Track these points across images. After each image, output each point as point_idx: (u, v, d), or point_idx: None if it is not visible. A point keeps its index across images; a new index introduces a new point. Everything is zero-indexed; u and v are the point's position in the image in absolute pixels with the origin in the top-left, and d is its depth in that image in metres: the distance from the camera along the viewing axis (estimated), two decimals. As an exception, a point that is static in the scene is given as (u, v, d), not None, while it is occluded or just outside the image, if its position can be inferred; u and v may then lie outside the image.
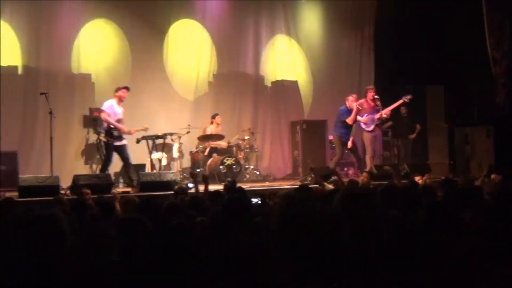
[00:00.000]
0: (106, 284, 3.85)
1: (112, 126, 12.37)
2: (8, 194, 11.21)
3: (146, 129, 13.21)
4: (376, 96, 14.71)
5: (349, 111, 14.37)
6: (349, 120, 14.33)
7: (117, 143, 12.51)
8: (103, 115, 12.52)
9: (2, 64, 14.34)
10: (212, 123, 15.77)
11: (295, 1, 18.03)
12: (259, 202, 8.13)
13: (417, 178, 10.82)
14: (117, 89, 12.71)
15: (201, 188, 9.19)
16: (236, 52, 17.36)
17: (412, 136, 16.53)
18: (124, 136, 12.64)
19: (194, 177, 10.20)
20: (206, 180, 9.51)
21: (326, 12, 18.30)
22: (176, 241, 4.42)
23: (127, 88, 12.80)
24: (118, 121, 12.50)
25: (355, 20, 18.65)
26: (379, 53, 18.58)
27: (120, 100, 12.65)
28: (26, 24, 14.71)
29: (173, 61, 16.55)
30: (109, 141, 12.45)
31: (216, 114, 15.73)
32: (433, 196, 6.71)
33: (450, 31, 16.39)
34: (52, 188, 11.05)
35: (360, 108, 14.39)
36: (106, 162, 12.69)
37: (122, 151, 12.63)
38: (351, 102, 14.34)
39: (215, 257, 4.01)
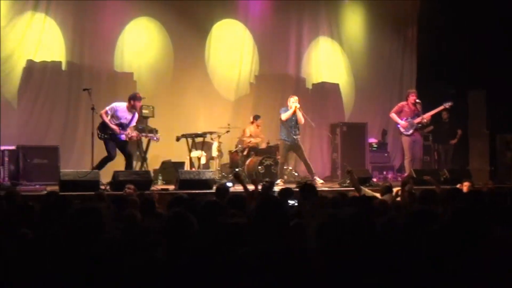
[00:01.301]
0: (151, 281, 3.87)
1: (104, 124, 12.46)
2: (49, 188, 11.45)
3: (154, 138, 13.12)
4: (417, 101, 14.54)
5: (286, 111, 14.19)
6: (282, 116, 14.13)
7: (102, 136, 12.48)
8: (101, 112, 12.46)
9: (47, 60, 14.59)
10: (252, 123, 15.82)
11: (337, 2, 17.99)
12: (295, 204, 8.02)
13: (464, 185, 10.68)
14: (134, 98, 12.66)
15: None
16: (277, 53, 17.37)
17: (453, 141, 16.40)
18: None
19: (238, 177, 10.20)
20: (241, 181, 9.59)
21: (368, 13, 18.21)
22: (222, 240, 4.42)
23: (140, 99, 12.75)
24: (120, 125, 12.47)
25: (397, 22, 18.52)
26: (421, 55, 18.42)
27: (133, 108, 12.60)
28: (71, 21, 14.96)
29: (215, 61, 16.64)
30: (104, 137, 12.47)
31: (258, 117, 15.75)
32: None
33: (494, 34, 16.18)
34: (92, 183, 11.11)
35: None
36: (108, 157, 12.62)
37: (124, 147, 12.63)
38: (292, 103, 14.09)
39: (251, 257, 3.99)
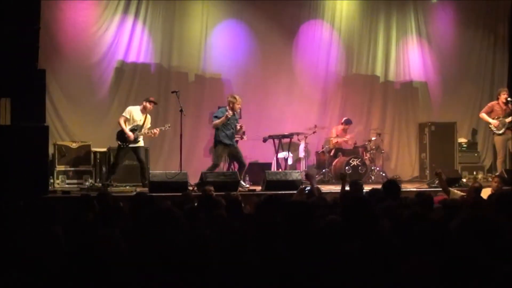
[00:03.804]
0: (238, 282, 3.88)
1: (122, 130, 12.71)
2: (138, 189, 11.70)
3: (155, 134, 13.07)
4: (509, 99, 14.21)
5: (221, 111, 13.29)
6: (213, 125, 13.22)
7: (132, 145, 12.76)
8: (119, 119, 12.78)
9: (136, 62, 14.92)
10: (342, 124, 15.76)
11: (426, 1, 17.70)
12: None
13: None
14: (148, 100, 12.96)
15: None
16: (365, 53, 17.15)
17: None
18: (139, 138, 12.88)
19: (309, 178, 10.20)
20: (343, 179, 9.60)
21: (457, 11, 17.78)
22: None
23: (155, 103, 13.14)
24: (136, 126, 12.79)
25: (488, 19, 18.00)
26: (513, 54, 17.95)
27: (145, 109, 12.92)
28: (160, 24, 15.23)
29: (302, 61, 16.56)
30: (120, 144, 12.73)
31: (350, 122, 15.67)
32: None
33: None
34: (180, 184, 11.29)
35: None
36: (115, 164, 12.91)
37: (138, 153, 12.84)
38: (231, 105, 13.14)
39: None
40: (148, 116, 13.05)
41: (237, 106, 13.13)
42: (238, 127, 13.21)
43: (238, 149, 13.26)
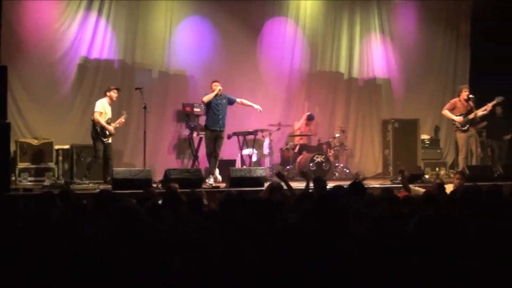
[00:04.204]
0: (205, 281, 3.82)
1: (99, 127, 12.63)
2: (101, 186, 11.58)
3: (122, 123, 13.11)
4: (470, 96, 14.38)
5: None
6: (204, 99, 13.24)
7: (106, 141, 12.72)
8: (95, 116, 12.64)
9: (100, 58, 14.82)
10: (304, 120, 15.82)
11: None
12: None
13: None
14: (109, 89, 12.92)
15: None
16: (329, 50, 17.25)
17: (507, 136, 16.14)
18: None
19: (281, 177, 10.12)
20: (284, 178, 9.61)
21: (420, 9, 17.95)
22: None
23: (118, 89, 13.04)
24: (109, 120, 12.75)
25: (450, 17, 18.22)
26: (475, 51, 18.09)
27: (111, 100, 12.88)
28: (124, 21, 15.14)
29: (266, 59, 16.59)
30: (101, 139, 12.64)
31: (312, 117, 15.75)
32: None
33: None
34: (144, 181, 11.19)
35: None
36: (96, 159, 12.76)
37: (108, 149, 12.79)
38: (214, 86, 13.30)
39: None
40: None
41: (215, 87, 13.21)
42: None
43: (219, 137, 13.22)
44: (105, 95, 12.88)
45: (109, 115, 12.81)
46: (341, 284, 3.61)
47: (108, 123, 12.67)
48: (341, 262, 3.80)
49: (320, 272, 3.70)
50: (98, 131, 12.60)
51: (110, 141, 12.80)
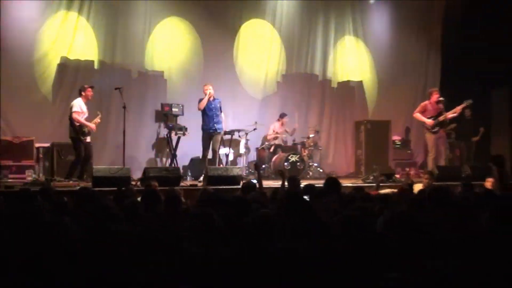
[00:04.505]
0: (180, 273, 3.88)
1: (81, 125, 12.62)
2: (82, 184, 11.68)
3: (97, 123, 13.07)
4: (440, 98, 14.54)
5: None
6: (199, 106, 13.71)
7: (88, 140, 12.78)
8: (74, 115, 12.57)
9: (80, 58, 14.87)
10: (278, 121, 16.01)
11: (363, 2, 18.00)
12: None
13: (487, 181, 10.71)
14: (84, 88, 12.87)
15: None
16: (304, 53, 17.43)
17: (475, 138, 16.30)
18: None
19: (258, 168, 10.39)
20: (259, 175, 9.83)
21: (394, 13, 18.15)
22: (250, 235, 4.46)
23: (92, 87, 12.99)
24: (86, 119, 12.76)
25: (423, 22, 18.41)
26: (446, 55, 18.33)
27: (87, 99, 12.85)
28: (103, 21, 15.17)
29: (243, 60, 16.75)
30: (81, 138, 12.61)
31: (285, 115, 15.91)
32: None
33: None
34: (123, 179, 11.19)
35: None
36: (79, 158, 12.71)
37: (89, 148, 12.81)
38: (205, 90, 13.78)
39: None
40: None
41: (206, 90, 13.62)
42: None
43: (217, 138, 13.59)
44: (80, 95, 12.83)
45: (87, 114, 12.81)
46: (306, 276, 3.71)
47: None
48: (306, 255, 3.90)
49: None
50: (77, 130, 12.58)
51: (89, 140, 12.82)
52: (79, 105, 12.68)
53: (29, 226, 5.00)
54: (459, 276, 3.65)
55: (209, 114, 13.52)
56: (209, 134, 13.52)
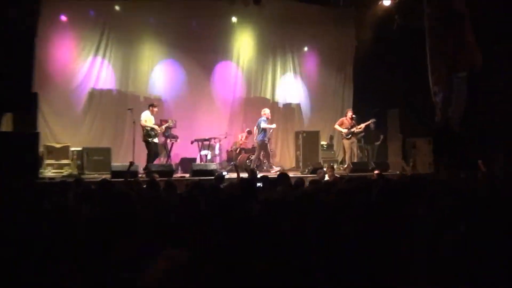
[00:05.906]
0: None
1: (148, 128, 12.62)
2: (103, 176, 11.51)
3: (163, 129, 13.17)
4: (353, 116, 14.77)
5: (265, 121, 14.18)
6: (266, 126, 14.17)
7: (155, 141, 12.74)
8: (142, 122, 12.62)
9: (103, 88, 14.78)
10: (244, 133, 15.96)
11: (300, 51, 18.04)
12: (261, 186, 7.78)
13: (374, 173, 10.63)
14: (152, 105, 13.00)
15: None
16: (259, 83, 17.37)
17: (377, 142, 16.45)
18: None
19: (237, 168, 10.44)
20: (237, 170, 9.80)
21: (320, 57, 18.20)
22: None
23: (155, 106, 13.06)
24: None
25: (340, 63, 18.32)
26: (356, 85, 18.35)
27: (152, 113, 12.86)
28: (119, 62, 15.07)
29: (217, 89, 16.64)
30: (148, 140, 12.60)
31: (250, 132, 15.81)
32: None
33: (405, 71, 15.93)
34: (133, 172, 11.20)
35: None
36: (152, 156, 12.71)
37: (156, 147, 12.86)
38: (268, 115, 14.32)
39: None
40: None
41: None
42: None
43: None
44: (148, 108, 12.90)
45: (153, 121, 12.77)
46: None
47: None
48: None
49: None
50: (148, 133, 12.55)
51: (156, 140, 12.71)
52: (145, 115, 12.74)
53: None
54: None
55: None
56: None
